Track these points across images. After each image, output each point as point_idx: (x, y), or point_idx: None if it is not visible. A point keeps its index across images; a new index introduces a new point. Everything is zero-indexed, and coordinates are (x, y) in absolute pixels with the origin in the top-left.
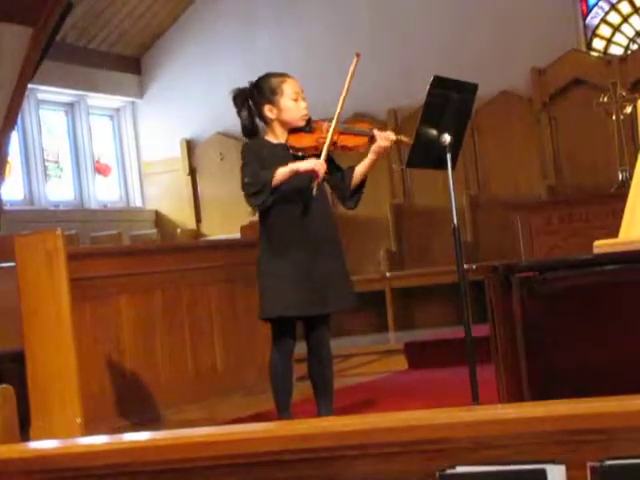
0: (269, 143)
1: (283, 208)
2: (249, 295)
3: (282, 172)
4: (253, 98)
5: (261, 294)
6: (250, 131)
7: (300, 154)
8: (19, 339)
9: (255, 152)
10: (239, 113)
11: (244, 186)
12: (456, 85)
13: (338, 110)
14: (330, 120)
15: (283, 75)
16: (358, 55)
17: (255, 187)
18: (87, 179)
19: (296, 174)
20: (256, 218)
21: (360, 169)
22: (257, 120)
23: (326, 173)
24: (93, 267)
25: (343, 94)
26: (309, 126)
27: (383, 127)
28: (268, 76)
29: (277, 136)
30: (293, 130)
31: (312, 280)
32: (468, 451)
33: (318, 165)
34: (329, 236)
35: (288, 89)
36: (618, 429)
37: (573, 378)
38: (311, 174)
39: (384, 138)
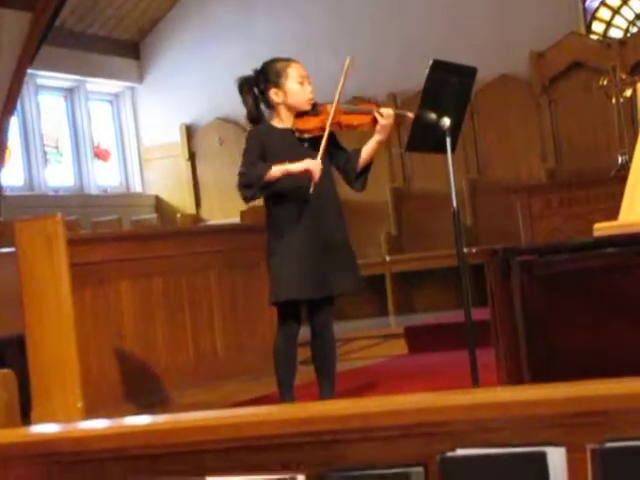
0: (275, 128)
1: (289, 193)
2: (249, 279)
3: (276, 170)
4: (258, 84)
5: (271, 279)
6: (255, 118)
7: (306, 136)
8: (20, 324)
9: (259, 138)
10: (244, 100)
11: (238, 175)
12: (455, 69)
13: (338, 91)
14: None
15: (288, 59)
16: (351, 58)
17: (247, 179)
18: (87, 164)
19: (289, 175)
20: (257, 203)
21: (366, 149)
22: (262, 107)
23: (328, 160)
24: (93, 252)
25: (340, 85)
26: (315, 109)
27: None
28: (273, 61)
29: (283, 120)
30: (299, 114)
31: (318, 263)
32: (468, 434)
33: (313, 165)
34: (335, 219)
35: (293, 72)
36: (618, 411)
37: (573, 361)
38: (306, 174)
39: (385, 116)
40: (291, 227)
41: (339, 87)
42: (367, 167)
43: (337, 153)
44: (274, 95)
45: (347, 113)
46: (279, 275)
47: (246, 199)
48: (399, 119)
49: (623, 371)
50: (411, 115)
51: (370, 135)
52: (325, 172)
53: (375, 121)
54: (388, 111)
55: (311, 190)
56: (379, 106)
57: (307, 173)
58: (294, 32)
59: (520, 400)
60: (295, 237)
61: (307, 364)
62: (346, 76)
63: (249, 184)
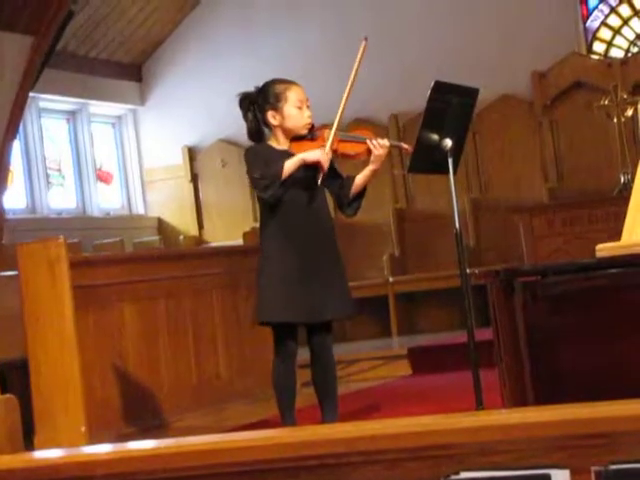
0: (272, 149)
1: (283, 215)
2: (252, 301)
3: (290, 162)
4: (258, 103)
5: (258, 299)
6: (255, 135)
7: None
8: (22, 347)
9: (259, 154)
10: (245, 117)
11: (254, 182)
12: (457, 90)
13: (339, 114)
14: (332, 127)
15: (289, 82)
16: (366, 39)
17: (265, 181)
18: (89, 187)
19: (304, 164)
20: (258, 225)
21: (360, 178)
22: (262, 125)
23: (325, 182)
24: (96, 275)
25: (347, 90)
26: (312, 134)
27: (384, 132)
28: (274, 82)
29: (279, 143)
30: (295, 138)
31: (309, 287)
32: (473, 456)
33: (324, 156)
34: (328, 244)
35: (293, 96)
36: (622, 433)
37: (577, 382)
38: (317, 165)
39: (379, 147)
40: (283, 249)
41: (352, 73)
42: (360, 194)
43: (332, 178)
44: (271, 117)
45: (344, 141)
46: (264, 294)
47: (271, 198)
48: (394, 150)
49: (627, 392)
50: (406, 146)
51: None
52: (320, 196)
53: (370, 151)
54: (383, 142)
55: (319, 180)
56: (377, 136)
57: (317, 164)
58: (296, 54)
59: (524, 422)
60: (286, 259)
61: (308, 386)
62: (360, 62)
63: (268, 185)
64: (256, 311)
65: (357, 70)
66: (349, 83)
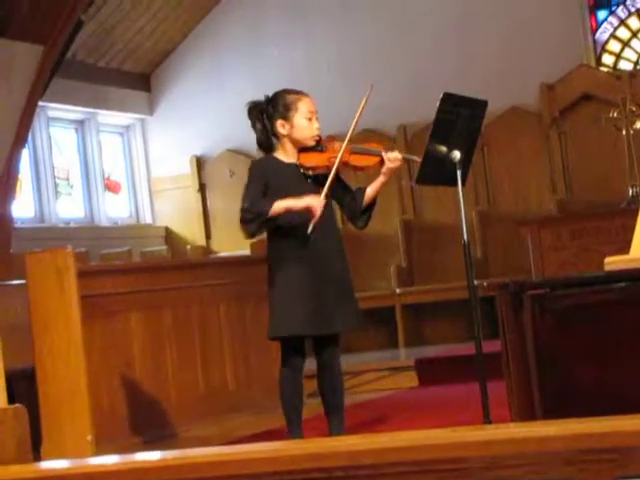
0: (279, 162)
1: (291, 228)
2: (259, 312)
3: (278, 206)
4: (267, 112)
5: (270, 313)
6: (265, 145)
7: (311, 173)
8: (30, 356)
9: (262, 171)
10: (254, 126)
11: (241, 210)
12: (466, 102)
13: (350, 131)
14: (343, 140)
15: (300, 93)
16: (372, 87)
17: (249, 215)
18: (97, 196)
19: (291, 212)
20: (265, 235)
21: (370, 190)
22: (271, 135)
23: (331, 196)
24: (103, 284)
25: (355, 119)
26: (320, 145)
27: (392, 144)
28: (285, 92)
29: (287, 153)
30: (304, 149)
31: (320, 299)
32: (481, 470)
33: (315, 203)
34: (336, 256)
35: (303, 107)
36: (631, 448)
37: (585, 395)
38: (307, 212)
39: (392, 160)
40: (292, 262)
41: (357, 114)
42: (370, 205)
43: (342, 190)
44: (280, 127)
45: (355, 153)
46: (279, 310)
47: (248, 235)
48: (407, 163)
49: (637, 406)
50: (419, 159)
51: (375, 174)
52: (328, 209)
53: (382, 163)
54: (396, 155)
55: (309, 229)
56: (387, 148)
57: (308, 211)
58: (305, 64)
59: (533, 437)
60: (296, 272)
61: (314, 397)
62: (365, 105)
63: (250, 219)
64: (269, 326)
65: (361, 114)
66: (353, 122)
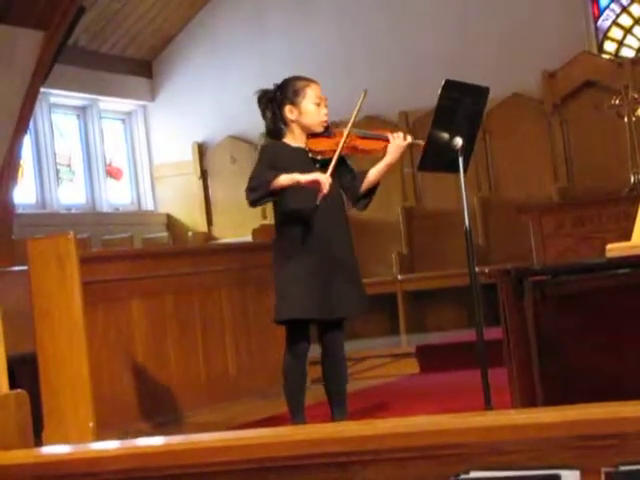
0: (288, 146)
1: (298, 215)
2: (261, 298)
3: (284, 178)
4: (276, 99)
5: (278, 298)
6: (274, 133)
7: (319, 157)
8: (31, 342)
9: (271, 154)
10: (263, 114)
11: (249, 179)
12: (468, 89)
13: (352, 119)
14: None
15: (309, 79)
16: (365, 92)
17: (255, 183)
18: (99, 182)
19: (297, 184)
20: (268, 221)
21: (374, 173)
22: (280, 122)
23: (335, 177)
24: (105, 270)
25: (350, 123)
26: (329, 131)
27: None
28: (294, 78)
29: (295, 138)
30: (313, 134)
31: (326, 284)
32: (482, 456)
33: (322, 177)
34: (343, 241)
35: (312, 93)
36: (632, 434)
37: (586, 382)
38: (314, 185)
39: (399, 138)
40: (299, 246)
41: (353, 116)
42: (373, 189)
43: (345, 173)
44: (289, 112)
45: (362, 138)
46: (285, 293)
47: (251, 202)
48: (408, 149)
49: (638, 393)
50: (422, 143)
51: (377, 159)
52: (334, 192)
53: (385, 148)
54: (402, 135)
55: (318, 201)
56: (393, 132)
57: (315, 184)
58: (308, 49)
59: (534, 423)
60: (303, 257)
61: (317, 383)
62: (360, 108)
63: (255, 187)
64: (275, 310)
65: (357, 114)
66: (351, 121)
